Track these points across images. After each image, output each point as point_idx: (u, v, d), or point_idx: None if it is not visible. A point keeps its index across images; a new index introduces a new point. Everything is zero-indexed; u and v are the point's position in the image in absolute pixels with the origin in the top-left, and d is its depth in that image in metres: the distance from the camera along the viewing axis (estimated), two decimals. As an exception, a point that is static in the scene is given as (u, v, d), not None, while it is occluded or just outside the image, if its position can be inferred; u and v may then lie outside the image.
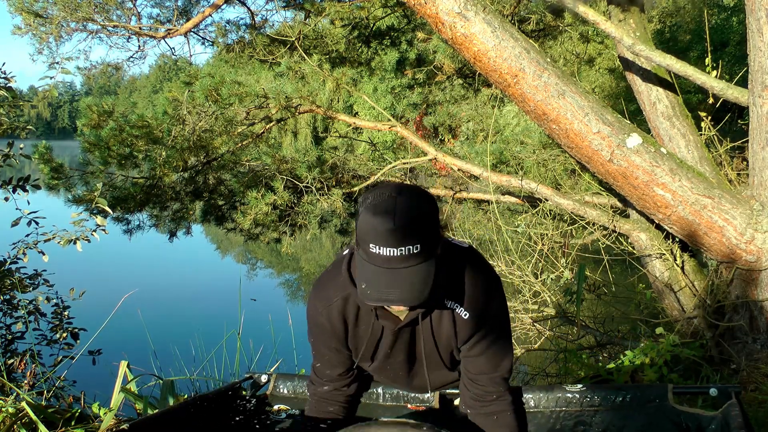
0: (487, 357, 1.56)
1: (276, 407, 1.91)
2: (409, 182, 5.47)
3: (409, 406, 1.86)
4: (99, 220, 3.46)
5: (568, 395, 1.77)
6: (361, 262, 1.35)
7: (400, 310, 1.49)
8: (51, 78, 4.56)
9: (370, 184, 5.46)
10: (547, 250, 4.40)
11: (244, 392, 1.94)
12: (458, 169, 4.95)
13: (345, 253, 1.57)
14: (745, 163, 3.53)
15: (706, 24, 7.37)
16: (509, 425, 1.59)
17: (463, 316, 1.51)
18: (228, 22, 6.89)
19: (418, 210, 1.33)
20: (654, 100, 3.84)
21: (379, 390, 1.88)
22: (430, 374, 1.66)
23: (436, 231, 1.38)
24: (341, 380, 1.67)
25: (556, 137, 3.41)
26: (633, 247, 3.93)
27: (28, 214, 3.79)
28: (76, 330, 4.14)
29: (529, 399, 1.80)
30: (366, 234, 1.31)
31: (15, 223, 3.74)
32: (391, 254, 1.29)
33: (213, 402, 1.83)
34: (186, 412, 1.73)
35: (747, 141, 3.29)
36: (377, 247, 1.29)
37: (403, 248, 1.29)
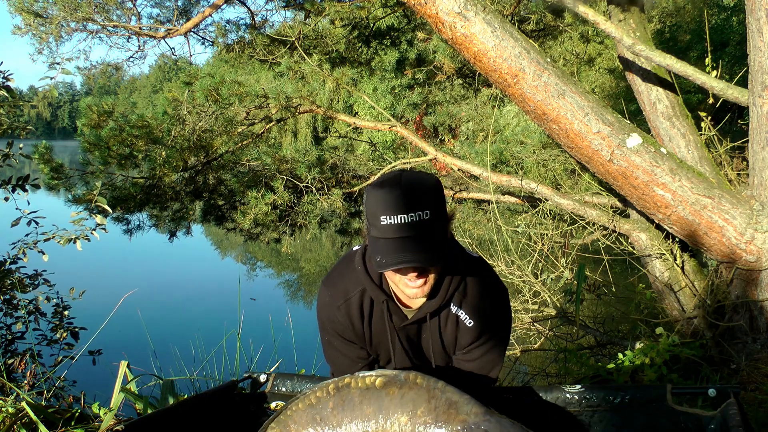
0: (480, 363, 1.57)
1: (274, 404, 1.91)
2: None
3: None
4: (99, 219, 3.47)
5: (567, 395, 1.77)
6: (374, 242, 1.35)
7: (414, 295, 1.45)
8: (51, 78, 4.57)
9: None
10: (547, 250, 4.40)
11: (242, 391, 1.94)
12: (458, 169, 4.95)
13: (355, 249, 1.56)
14: (745, 163, 3.53)
15: (706, 24, 7.36)
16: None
17: (467, 323, 1.51)
18: (228, 22, 6.90)
19: (425, 182, 1.35)
20: (654, 100, 3.83)
21: None
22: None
23: (444, 208, 1.38)
24: None
25: (556, 137, 3.41)
26: (633, 247, 3.93)
27: (28, 214, 3.80)
28: (77, 329, 4.14)
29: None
30: (375, 209, 1.31)
31: (15, 223, 3.75)
32: (402, 221, 1.29)
33: (211, 401, 1.83)
34: (184, 411, 1.73)
35: (747, 141, 3.29)
36: (387, 217, 1.29)
37: (413, 214, 1.29)
